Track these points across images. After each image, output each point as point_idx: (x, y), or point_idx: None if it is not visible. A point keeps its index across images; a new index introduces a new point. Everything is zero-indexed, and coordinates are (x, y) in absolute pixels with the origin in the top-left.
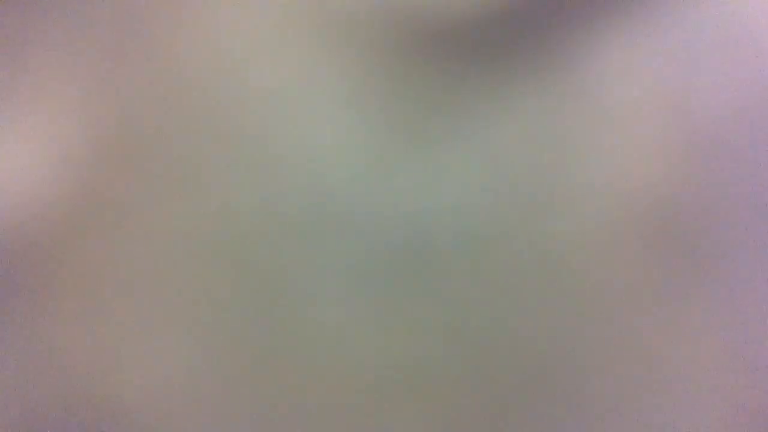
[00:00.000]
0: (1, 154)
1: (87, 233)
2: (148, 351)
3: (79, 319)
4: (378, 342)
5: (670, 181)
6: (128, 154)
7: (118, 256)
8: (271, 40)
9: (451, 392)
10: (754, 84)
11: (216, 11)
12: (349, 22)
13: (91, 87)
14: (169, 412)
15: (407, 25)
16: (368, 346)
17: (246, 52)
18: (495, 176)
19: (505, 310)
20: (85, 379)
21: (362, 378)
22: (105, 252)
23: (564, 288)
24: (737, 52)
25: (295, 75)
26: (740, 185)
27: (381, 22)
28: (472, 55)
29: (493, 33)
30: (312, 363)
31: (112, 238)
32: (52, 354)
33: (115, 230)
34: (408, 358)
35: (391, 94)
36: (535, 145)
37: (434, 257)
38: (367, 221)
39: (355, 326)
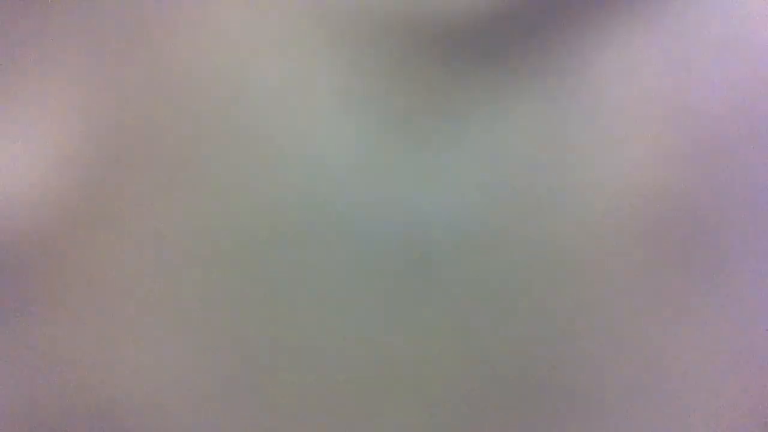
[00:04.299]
0: (1, 154)
1: (87, 233)
2: (148, 351)
3: (79, 319)
4: (378, 342)
5: (670, 180)
6: (129, 154)
7: (118, 256)
8: (271, 40)
9: (451, 392)
10: (753, 84)
11: (216, 11)
12: (349, 21)
13: (91, 87)
14: (169, 413)
15: (407, 25)
16: (368, 345)
17: (246, 53)
18: (495, 176)
19: (504, 309)
20: (85, 379)
21: (362, 378)
22: (105, 252)
23: (564, 288)
24: (737, 52)
25: (295, 75)
26: (740, 185)
27: (381, 22)
28: (472, 55)
29: (493, 33)
30: (312, 363)
31: (112, 239)
32: (52, 354)
33: (115, 230)
34: (408, 358)
35: (390, 93)
36: (535, 145)
37: (434, 257)
38: (367, 221)
39: (355, 326)
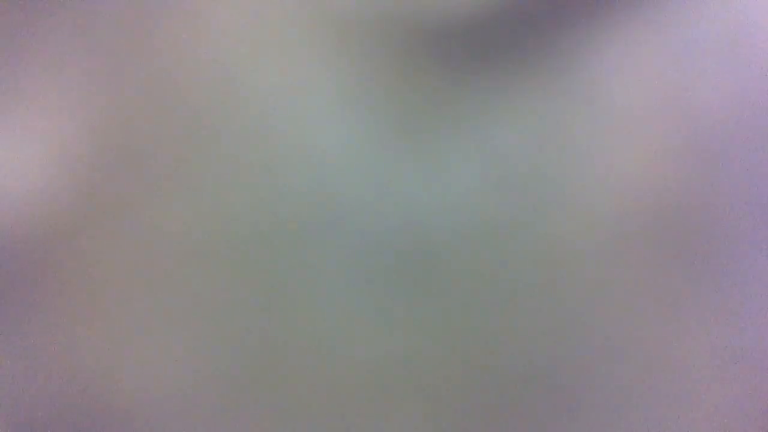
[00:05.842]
0: (1, 154)
1: (87, 233)
2: (147, 351)
3: (79, 319)
4: (378, 342)
5: (670, 179)
6: (128, 154)
7: (118, 256)
8: (271, 40)
9: (451, 392)
10: (754, 84)
11: (216, 11)
12: (349, 22)
13: (91, 87)
14: (169, 413)
15: (407, 25)
16: (368, 346)
17: (246, 53)
18: (495, 176)
19: (505, 309)
20: (85, 379)
21: (362, 378)
22: (105, 252)
23: (564, 287)
24: (737, 52)
25: (295, 75)
26: (740, 185)
27: (381, 22)
28: (472, 55)
29: (493, 33)
30: (312, 363)
31: (112, 238)
32: (51, 354)
33: (115, 230)
34: (408, 358)
35: (391, 94)
36: (535, 145)
37: (434, 257)
38: (367, 221)
39: (356, 325)
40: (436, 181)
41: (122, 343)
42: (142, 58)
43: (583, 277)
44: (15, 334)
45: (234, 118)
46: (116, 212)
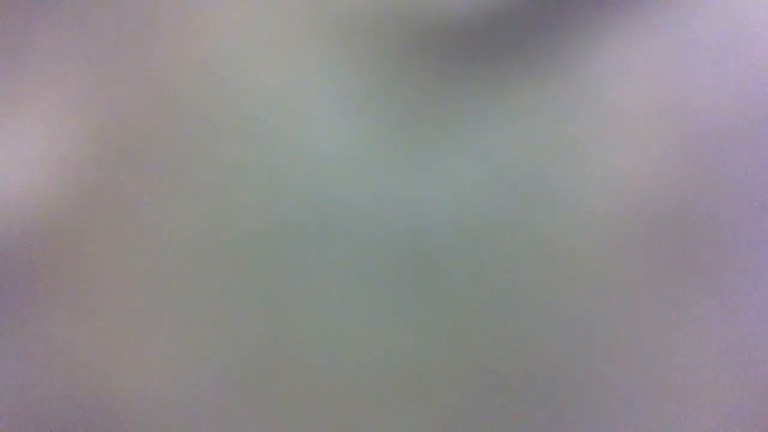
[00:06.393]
0: (1, 154)
1: (87, 233)
2: (147, 351)
3: (79, 318)
4: (378, 342)
5: (670, 181)
6: (128, 154)
7: (118, 256)
8: (270, 40)
9: (451, 391)
10: (753, 84)
11: (215, 12)
12: (349, 22)
13: (91, 87)
14: (170, 413)
15: (407, 25)
16: (368, 346)
17: (245, 53)
18: (495, 177)
19: (504, 310)
20: (85, 379)
21: (363, 378)
22: (105, 252)
23: (563, 287)
24: (737, 52)
25: (294, 76)
26: (740, 185)
27: (381, 22)
28: (472, 55)
29: (493, 33)
30: (312, 363)
31: (112, 238)
32: (51, 354)
33: (115, 230)
34: (408, 358)
35: (390, 94)
36: (535, 145)
37: (434, 258)
38: (367, 221)
39: (356, 326)
40: (436, 181)
41: (122, 343)
42: (142, 58)
43: (583, 277)
44: (15, 334)
45: (234, 118)
46: (116, 212)
